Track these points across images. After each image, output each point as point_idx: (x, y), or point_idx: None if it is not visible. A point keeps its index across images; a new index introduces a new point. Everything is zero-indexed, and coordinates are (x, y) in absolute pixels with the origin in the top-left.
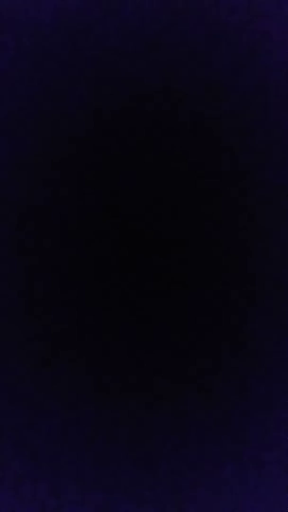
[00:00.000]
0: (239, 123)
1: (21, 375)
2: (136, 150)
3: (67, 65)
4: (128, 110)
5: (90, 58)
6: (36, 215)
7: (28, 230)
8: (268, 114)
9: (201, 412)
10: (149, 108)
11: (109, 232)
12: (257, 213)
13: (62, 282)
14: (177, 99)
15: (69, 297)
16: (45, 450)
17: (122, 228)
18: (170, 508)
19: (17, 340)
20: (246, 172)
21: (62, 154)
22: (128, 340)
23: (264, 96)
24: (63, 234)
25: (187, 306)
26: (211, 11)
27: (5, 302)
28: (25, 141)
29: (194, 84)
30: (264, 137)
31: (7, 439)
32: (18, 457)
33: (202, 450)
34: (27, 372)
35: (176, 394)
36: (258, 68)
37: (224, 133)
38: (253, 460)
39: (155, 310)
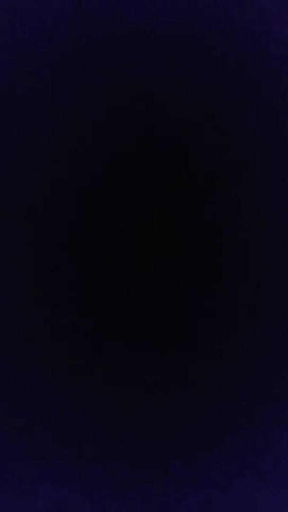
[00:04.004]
0: (240, 123)
1: (21, 377)
2: (137, 151)
3: (68, 64)
4: (128, 110)
5: (92, 57)
6: (37, 218)
7: (29, 230)
8: (269, 111)
9: (201, 412)
10: (149, 108)
11: (111, 234)
12: (260, 215)
13: (62, 285)
14: (177, 98)
15: (70, 297)
16: (45, 451)
17: (123, 229)
18: (170, 508)
19: (16, 340)
20: (248, 173)
21: (62, 155)
22: (129, 341)
23: (265, 94)
24: (63, 234)
25: (187, 306)
26: (212, 10)
27: (5, 303)
28: (24, 142)
29: (194, 83)
30: (265, 136)
31: (7, 440)
32: (18, 458)
33: (202, 450)
34: (27, 374)
35: (176, 394)
36: (258, 67)
37: (225, 133)
38: (254, 459)
39: (156, 311)
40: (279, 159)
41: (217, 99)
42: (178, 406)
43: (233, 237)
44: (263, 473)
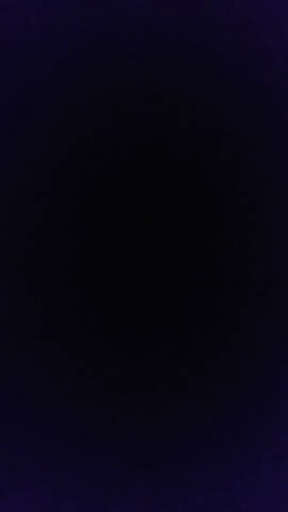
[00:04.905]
0: (240, 122)
1: (20, 377)
2: (136, 151)
3: (67, 64)
4: (127, 110)
5: (89, 56)
6: (37, 217)
7: (29, 231)
8: (269, 112)
9: (201, 411)
10: (148, 108)
11: (109, 232)
12: (259, 213)
13: (61, 284)
14: (177, 98)
15: (70, 296)
16: (45, 451)
17: (122, 228)
18: (170, 508)
19: (16, 340)
20: (247, 172)
21: (61, 155)
22: (128, 340)
23: (265, 95)
24: (63, 231)
25: (186, 304)
26: (211, 9)
27: (5, 303)
28: (23, 143)
29: (193, 84)
30: (265, 135)
31: (6, 440)
32: (17, 457)
33: (202, 449)
34: (27, 373)
35: (176, 393)
36: (259, 67)
37: (224, 132)
38: (253, 460)
39: (155, 310)
40: (281, 158)
41: (218, 97)
42: (179, 406)
43: (235, 239)
44: (263, 473)
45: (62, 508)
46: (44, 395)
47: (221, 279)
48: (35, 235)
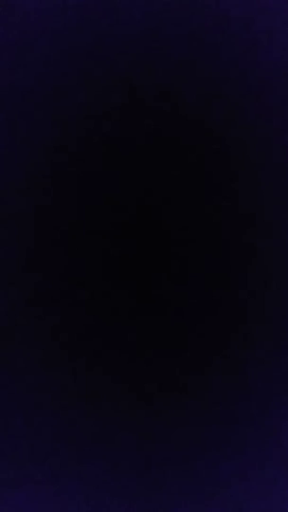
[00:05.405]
0: (240, 122)
1: (22, 377)
2: (136, 151)
3: (66, 62)
4: (127, 109)
5: (90, 55)
6: (37, 216)
7: (28, 230)
8: (269, 112)
9: (201, 411)
10: (148, 107)
11: (110, 232)
12: (259, 213)
13: (61, 285)
14: (177, 98)
15: (70, 297)
16: (45, 450)
17: (123, 228)
18: (169, 508)
19: (18, 341)
20: (246, 171)
21: (61, 154)
22: (128, 340)
23: (265, 94)
24: (64, 232)
25: (186, 304)
26: (213, 7)
27: (5, 303)
28: (23, 143)
29: (194, 83)
30: (265, 135)
31: (7, 439)
32: (17, 457)
33: (201, 450)
34: (28, 373)
35: (176, 394)
36: (259, 66)
37: (225, 132)
38: (253, 460)
39: (155, 310)
40: (281, 158)
41: (218, 97)
42: (179, 407)
43: (235, 239)
44: (263, 473)
45: (62, 508)
46: (44, 395)
47: (221, 280)
48: (35, 235)
